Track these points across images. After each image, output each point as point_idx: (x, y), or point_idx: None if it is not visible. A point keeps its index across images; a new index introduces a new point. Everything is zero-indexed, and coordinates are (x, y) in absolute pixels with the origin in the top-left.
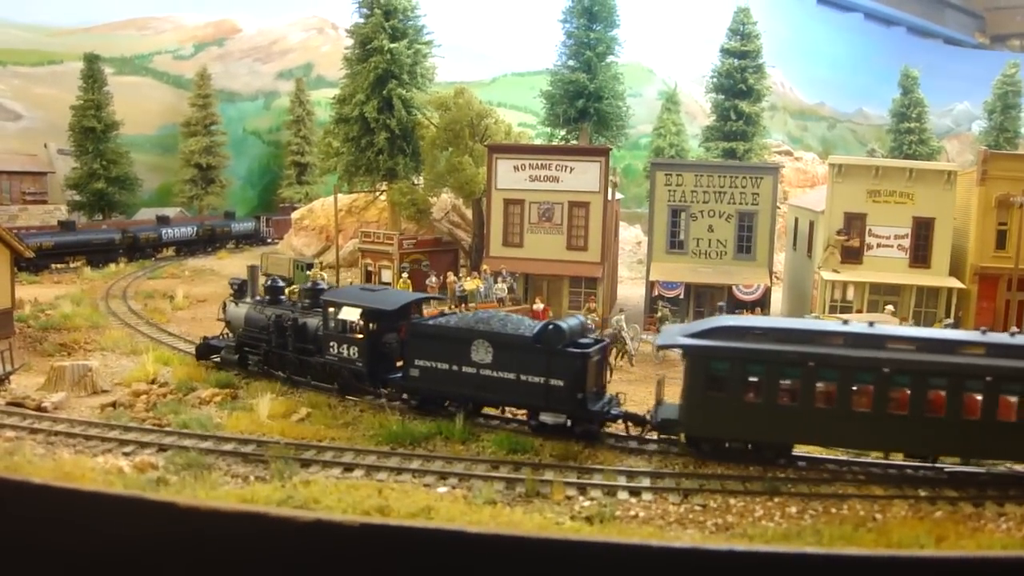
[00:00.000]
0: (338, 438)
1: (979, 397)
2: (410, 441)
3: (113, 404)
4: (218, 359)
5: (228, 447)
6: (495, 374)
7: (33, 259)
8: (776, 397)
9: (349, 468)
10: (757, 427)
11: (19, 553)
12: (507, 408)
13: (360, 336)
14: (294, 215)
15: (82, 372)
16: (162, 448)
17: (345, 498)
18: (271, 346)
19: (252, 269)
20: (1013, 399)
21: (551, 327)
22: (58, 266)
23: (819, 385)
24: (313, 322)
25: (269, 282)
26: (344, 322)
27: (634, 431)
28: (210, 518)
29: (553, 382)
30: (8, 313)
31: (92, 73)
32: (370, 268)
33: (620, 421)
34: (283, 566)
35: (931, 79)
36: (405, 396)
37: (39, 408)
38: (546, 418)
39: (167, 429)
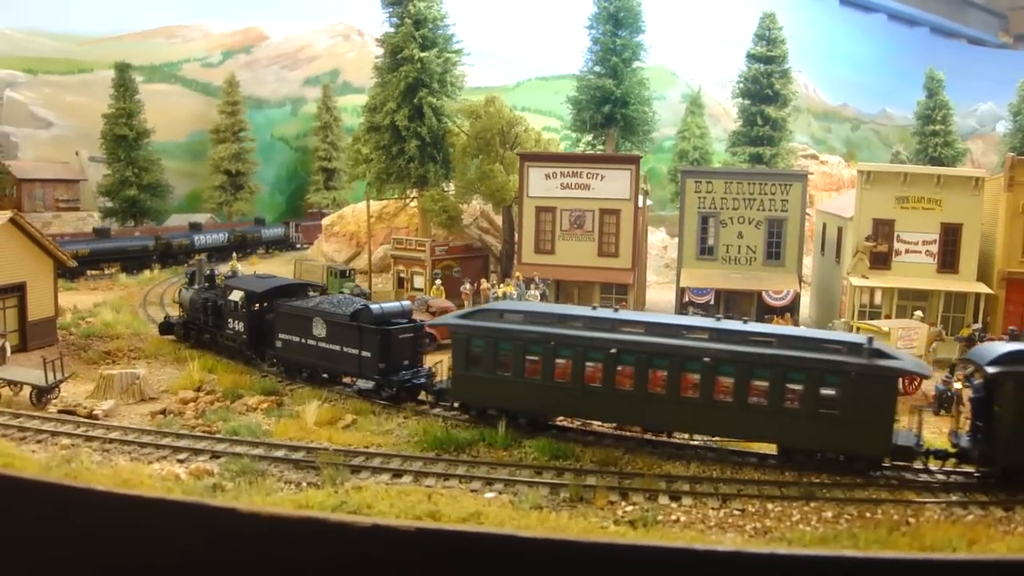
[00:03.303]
0: (384, 444)
1: (697, 377)
2: (454, 447)
3: (163, 411)
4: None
5: (279, 453)
6: (328, 346)
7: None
8: (523, 372)
9: (398, 474)
10: (510, 398)
11: (83, 560)
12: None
13: (244, 313)
14: (324, 221)
15: (130, 380)
16: (215, 455)
17: (397, 503)
18: (201, 322)
19: (199, 261)
20: (729, 380)
21: (362, 307)
22: (93, 273)
23: (559, 362)
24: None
25: (208, 272)
26: (235, 302)
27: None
28: (270, 524)
29: (364, 353)
30: (52, 321)
31: (123, 82)
32: (402, 274)
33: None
34: (342, 570)
35: (955, 79)
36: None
37: (91, 416)
38: (361, 383)
39: (218, 436)
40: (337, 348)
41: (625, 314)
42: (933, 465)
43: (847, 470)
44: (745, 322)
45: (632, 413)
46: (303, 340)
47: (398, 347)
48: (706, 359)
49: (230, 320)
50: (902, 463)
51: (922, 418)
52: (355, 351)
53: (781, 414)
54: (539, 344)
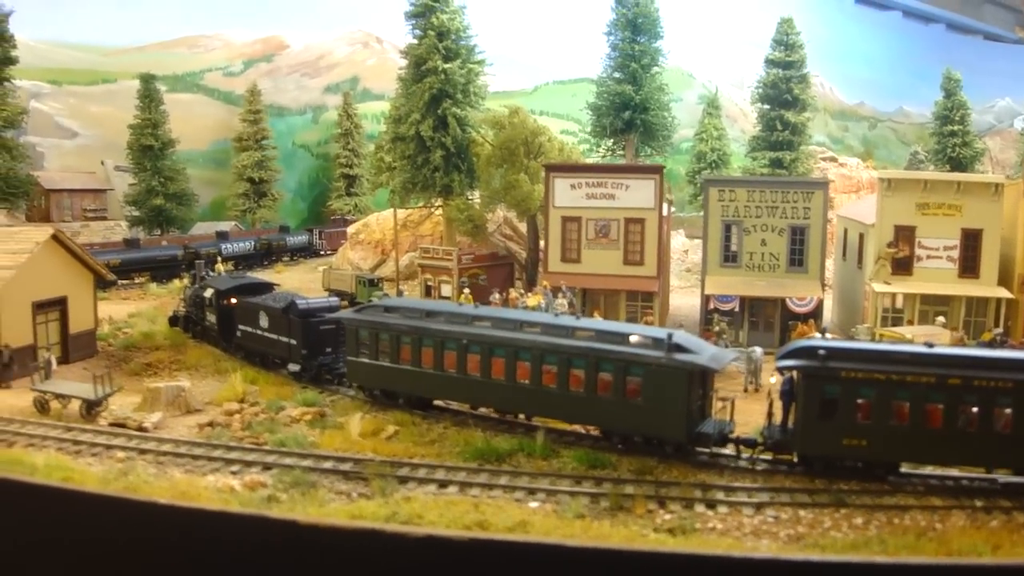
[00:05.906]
0: (427, 455)
1: (528, 366)
2: (495, 457)
3: (211, 423)
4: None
5: (327, 465)
6: (269, 335)
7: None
8: (398, 359)
9: (443, 484)
10: (389, 381)
11: (146, 571)
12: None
13: (215, 307)
14: (350, 229)
15: (176, 392)
16: (266, 467)
17: (446, 513)
18: (194, 316)
19: (198, 264)
20: (554, 369)
21: (291, 302)
22: (124, 282)
23: (425, 351)
24: None
25: (203, 273)
26: (208, 298)
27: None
28: (329, 535)
29: (292, 341)
30: (92, 333)
31: (148, 92)
32: (430, 283)
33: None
34: None
35: (972, 76)
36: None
37: (140, 428)
38: (291, 367)
39: (266, 448)
40: (275, 337)
41: (481, 310)
42: (745, 453)
43: (658, 452)
44: (578, 318)
45: (481, 396)
46: (254, 330)
47: (320, 337)
48: (534, 351)
49: (208, 313)
50: (702, 449)
51: (734, 406)
52: (287, 339)
53: (597, 400)
54: (408, 335)
